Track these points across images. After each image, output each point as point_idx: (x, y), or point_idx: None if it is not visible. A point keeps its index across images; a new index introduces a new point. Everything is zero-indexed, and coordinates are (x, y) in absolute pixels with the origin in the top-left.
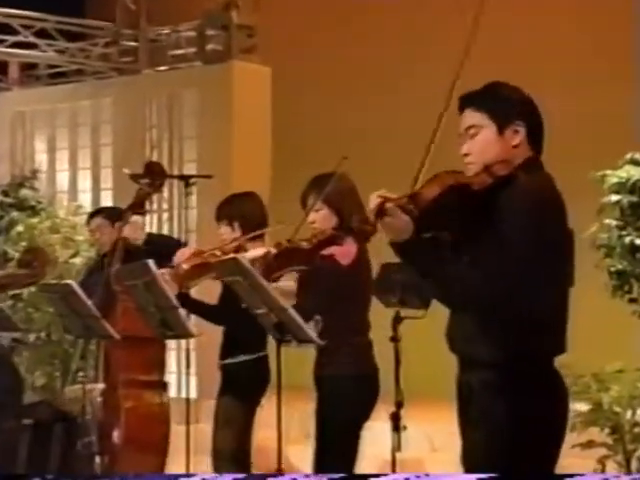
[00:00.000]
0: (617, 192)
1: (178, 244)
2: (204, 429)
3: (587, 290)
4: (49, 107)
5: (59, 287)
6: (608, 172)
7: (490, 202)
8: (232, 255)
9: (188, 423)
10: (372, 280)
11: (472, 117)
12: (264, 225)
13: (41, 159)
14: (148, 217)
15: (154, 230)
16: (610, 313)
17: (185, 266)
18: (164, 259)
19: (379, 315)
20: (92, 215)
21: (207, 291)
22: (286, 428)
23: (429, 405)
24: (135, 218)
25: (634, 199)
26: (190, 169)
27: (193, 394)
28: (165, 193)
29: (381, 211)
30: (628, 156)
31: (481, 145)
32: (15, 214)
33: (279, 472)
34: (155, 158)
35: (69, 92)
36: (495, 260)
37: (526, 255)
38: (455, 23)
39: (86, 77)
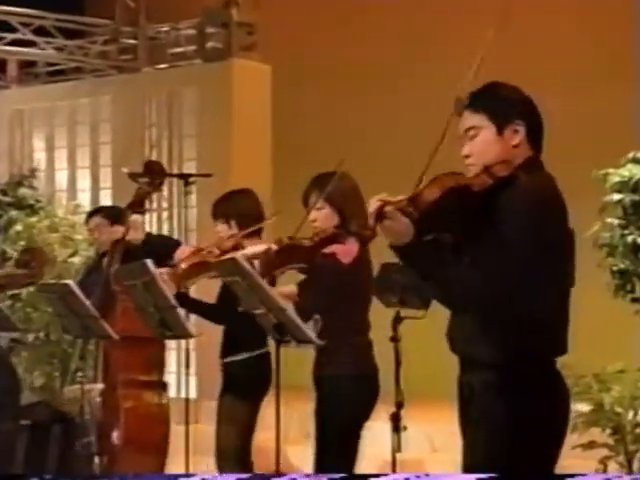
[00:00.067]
0: (619, 191)
1: (177, 244)
2: (204, 429)
3: (589, 290)
4: (48, 105)
5: (58, 287)
6: (610, 171)
7: (490, 203)
8: (231, 255)
9: (187, 423)
10: (372, 280)
11: (471, 118)
12: (260, 222)
13: (40, 157)
14: (148, 216)
15: (154, 229)
16: (612, 313)
17: (183, 265)
18: (163, 259)
19: (379, 315)
20: (91, 214)
21: (205, 290)
22: (286, 428)
23: (429, 405)
24: (134, 217)
25: (636, 198)
26: (190, 168)
27: (193, 394)
28: (165, 192)
29: (381, 214)
30: (630, 155)
31: (481, 146)
32: (14, 213)
33: (277, 473)
34: (154, 157)
35: (68, 90)
36: (495, 261)
37: (526, 255)
38: (455, 23)
39: (85, 75)
